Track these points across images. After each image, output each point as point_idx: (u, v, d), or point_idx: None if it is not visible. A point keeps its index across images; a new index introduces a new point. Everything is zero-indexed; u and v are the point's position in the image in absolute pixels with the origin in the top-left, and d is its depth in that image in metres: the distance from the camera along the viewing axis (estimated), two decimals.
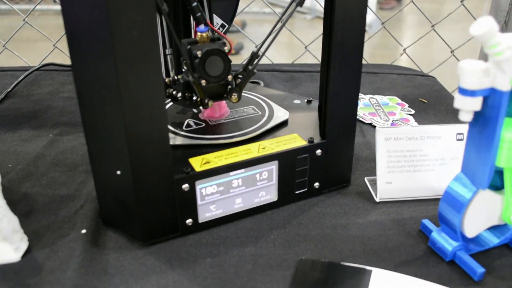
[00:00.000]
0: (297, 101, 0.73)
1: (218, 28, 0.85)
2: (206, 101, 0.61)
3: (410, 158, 0.65)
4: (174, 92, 0.63)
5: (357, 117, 0.86)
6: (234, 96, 0.62)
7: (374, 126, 0.84)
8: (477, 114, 0.50)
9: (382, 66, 1.12)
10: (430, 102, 0.95)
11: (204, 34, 0.60)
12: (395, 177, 0.65)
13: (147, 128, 0.51)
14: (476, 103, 0.49)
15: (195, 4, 0.60)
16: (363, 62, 1.19)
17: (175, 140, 0.61)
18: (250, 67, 0.62)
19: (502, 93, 0.48)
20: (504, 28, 1.09)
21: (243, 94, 0.73)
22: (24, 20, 1.10)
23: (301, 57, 1.21)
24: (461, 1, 1.16)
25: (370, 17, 3.39)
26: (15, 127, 0.83)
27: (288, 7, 0.61)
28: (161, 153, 0.53)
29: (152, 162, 0.53)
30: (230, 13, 0.86)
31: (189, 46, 0.59)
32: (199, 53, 0.58)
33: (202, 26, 0.60)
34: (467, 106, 0.49)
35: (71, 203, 0.64)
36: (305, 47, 1.18)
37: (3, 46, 1.11)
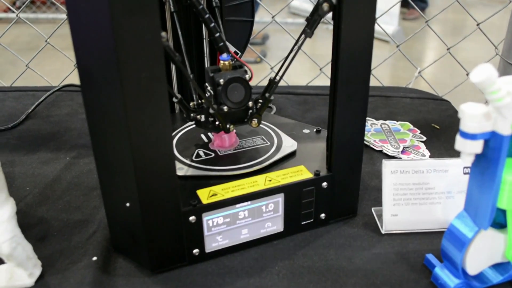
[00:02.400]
0: (306, 131, 0.74)
1: None
2: (228, 126, 0.64)
3: (416, 191, 0.66)
4: (198, 116, 0.65)
5: (368, 144, 0.87)
6: (254, 122, 0.65)
7: (385, 154, 0.84)
8: (478, 155, 0.51)
9: (397, 89, 1.12)
10: (442, 128, 0.95)
11: (226, 63, 0.63)
12: (401, 210, 0.66)
13: (154, 164, 0.53)
14: (476, 146, 0.49)
15: (217, 34, 0.63)
16: (378, 84, 1.20)
17: (185, 170, 0.63)
18: (267, 94, 0.64)
19: (503, 137, 0.48)
20: None
21: None
22: (46, 41, 1.13)
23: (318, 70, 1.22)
24: (477, 24, 1.16)
25: (392, 28, 3.38)
26: (34, 149, 0.86)
27: (300, 36, 0.62)
28: (168, 187, 0.54)
29: (159, 196, 0.54)
30: (243, 41, 0.88)
31: (212, 74, 0.61)
32: (221, 81, 0.61)
33: (225, 55, 0.63)
34: (468, 149, 0.49)
35: (84, 229, 0.67)
36: (320, 69, 1.20)
37: (26, 65, 1.15)
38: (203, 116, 0.65)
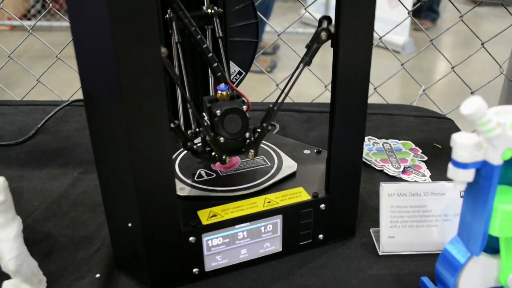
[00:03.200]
0: (307, 151, 0.76)
1: (236, 75, 0.89)
2: (224, 157, 0.65)
3: (413, 214, 0.67)
4: (194, 146, 0.66)
5: (369, 163, 0.88)
6: (251, 153, 0.66)
7: (386, 174, 0.86)
8: (470, 183, 0.52)
9: (400, 107, 1.14)
10: (444, 147, 0.96)
11: (224, 93, 0.64)
12: (398, 232, 0.67)
13: (155, 186, 0.55)
14: (468, 175, 0.51)
15: (215, 65, 0.64)
16: (383, 102, 1.21)
17: (186, 191, 0.65)
18: (264, 124, 0.65)
19: (494, 167, 0.49)
20: None
21: None
22: (57, 56, 1.16)
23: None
24: (482, 44, 1.16)
25: (403, 38, 3.38)
26: (43, 164, 0.88)
27: (299, 64, 0.64)
28: (169, 209, 0.56)
29: (160, 217, 0.56)
30: (248, 61, 0.90)
31: (209, 105, 0.63)
32: (218, 112, 0.62)
33: (222, 85, 0.64)
34: (459, 178, 0.51)
35: (89, 245, 0.69)
36: (325, 86, 1.21)
37: (37, 80, 1.18)
38: (199, 146, 0.66)
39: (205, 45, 0.63)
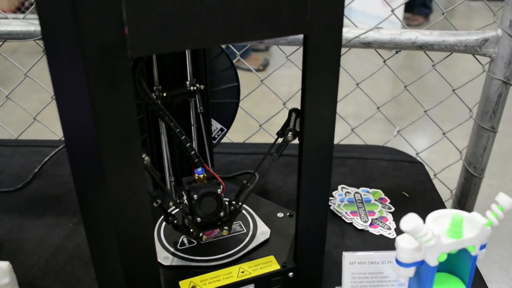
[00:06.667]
0: (280, 215, 0.84)
1: (217, 132, 0.97)
2: (201, 234, 0.73)
3: (372, 279, 0.75)
4: (175, 221, 0.74)
5: (340, 215, 0.96)
6: (225, 231, 0.74)
7: (354, 227, 0.94)
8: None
9: (375, 149, 1.21)
10: (411, 195, 1.04)
11: (201, 176, 0.71)
12: None
13: (139, 264, 0.62)
14: (409, 272, 0.59)
15: (193, 153, 0.72)
16: (361, 143, 1.29)
17: (169, 260, 0.73)
18: (238, 205, 0.73)
19: (430, 267, 0.58)
20: (492, 117, 1.16)
21: None
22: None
23: None
24: (453, 90, 1.24)
25: None
26: (41, 213, 0.96)
27: (264, 157, 0.72)
28: (152, 284, 0.64)
29: None
30: (229, 117, 0.97)
31: (187, 187, 0.70)
32: (195, 196, 0.70)
33: (199, 169, 0.72)
34: (402, 274, 0.59)
35: None
36: None
37: (33, 118, 1.25)
38: (179, 221, 0.74)
39: (183, 137, 0.70)
